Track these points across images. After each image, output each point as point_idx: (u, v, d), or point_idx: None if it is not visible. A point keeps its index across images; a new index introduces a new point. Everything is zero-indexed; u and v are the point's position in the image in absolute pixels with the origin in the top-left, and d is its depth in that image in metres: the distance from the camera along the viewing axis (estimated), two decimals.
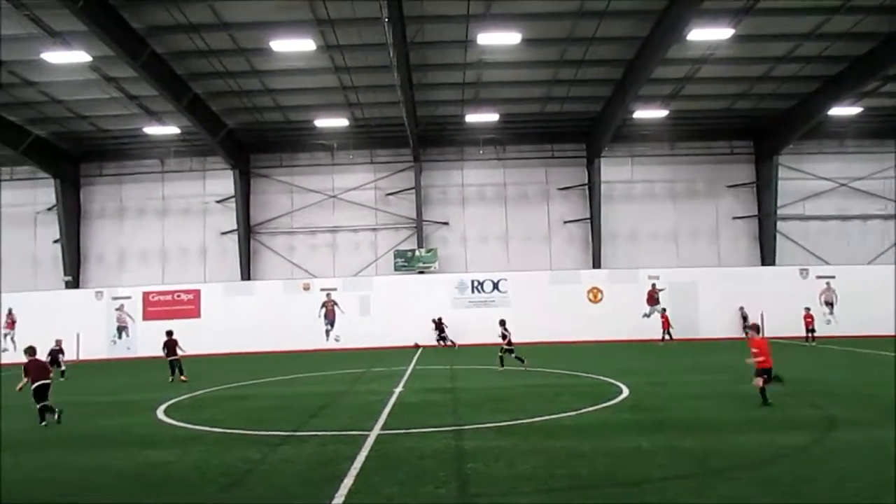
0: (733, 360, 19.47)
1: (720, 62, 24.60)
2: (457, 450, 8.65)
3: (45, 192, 32.59)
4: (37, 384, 11.83)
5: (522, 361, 18.27)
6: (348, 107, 28.37)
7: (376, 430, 10.01)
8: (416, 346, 28.96)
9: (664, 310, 29.27)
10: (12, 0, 18.51)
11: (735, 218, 32.78)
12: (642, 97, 26.80)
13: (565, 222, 32.91)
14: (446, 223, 32.88)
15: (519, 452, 8.34)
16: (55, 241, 32.48)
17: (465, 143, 32.77)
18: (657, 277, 30.53)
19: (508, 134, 32.25)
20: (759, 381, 11.28)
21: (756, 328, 12.72)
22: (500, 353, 18.73)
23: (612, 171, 32.39)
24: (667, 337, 27.93)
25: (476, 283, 30.70)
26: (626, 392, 13.49)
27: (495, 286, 30.63)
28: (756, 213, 32.65)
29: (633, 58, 24.20)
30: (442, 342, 29.01)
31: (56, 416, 11.61)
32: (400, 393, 14.32)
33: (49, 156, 30.98)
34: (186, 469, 8.09)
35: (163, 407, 13.45)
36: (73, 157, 32.62)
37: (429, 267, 31.65)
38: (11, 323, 30.67)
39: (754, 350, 11.55)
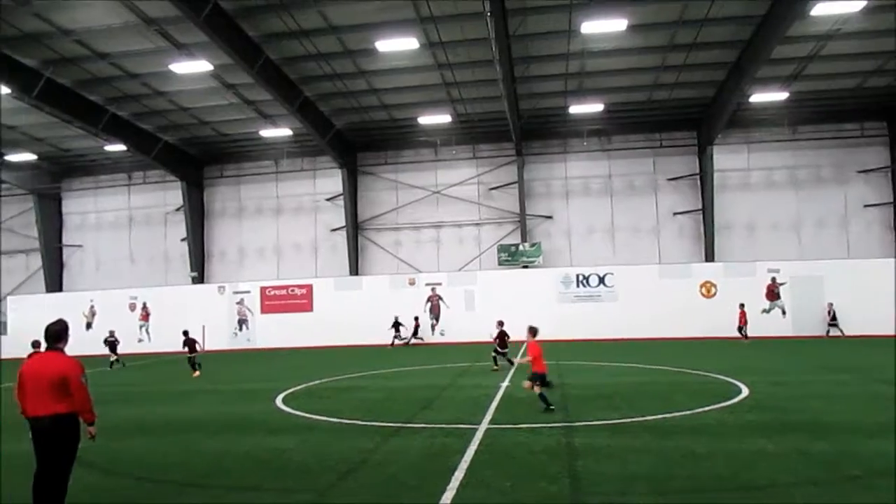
0: (863, 360, 18.02)
1: (849, 37, 22.69)
2: (567, 447, 8.52)
3: (173, 194, 35.21)
4: None
5: (512, 364, 17.95)
6: (451, 103, 28.61)
7: (485, 425, 10.05)
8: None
9: (742, 305, 27.68)
10: (144, 17, 20.09)
11: (867, 206, 30.21)
12: (760, 79, 25.22)
13: (675, 214, 31.61)
14: (550, 217, 32.48)
15: (631, 451, 8.11)
16: (182, 240, 35.04)
17: (568, 135, 32.20)
18: (777, 270, 28.65)
19: (614, 124, 31.36)
20: (527, 385, 11.31)
21: (533, 331, 12.17)
22: (493, 353, 18.53)
23: (726, 158, 30.74)
24: (741, 334, 26.68)
25: (581, 278, 30.11)
26: (745, 391, 12.76)
27: (601, 280, 29.91)
28: (891, 199, 29.92)
29: (750, 38, 22.80)
30: (397, 340, 29.45)
31: None
32: (507, 388, 14.30)
33: (176, 160, 33.42)
34: (305, 456, 8.47)
35: (281, 396, 14.16)
36: (197, 160, 35.02)
37: (533, 261, 31.39)
38: (146, 315, 33.36)
39: (529, 356, 11.56)
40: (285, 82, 25.20)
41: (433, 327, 30.78)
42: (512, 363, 17.94)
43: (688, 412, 10.70)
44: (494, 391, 13.67)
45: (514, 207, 32.34)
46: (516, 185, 32.02)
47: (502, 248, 31.95)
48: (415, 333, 29.92)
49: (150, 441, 9.92)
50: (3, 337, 33.17)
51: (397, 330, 29.75)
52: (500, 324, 18.88)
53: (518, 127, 29.45)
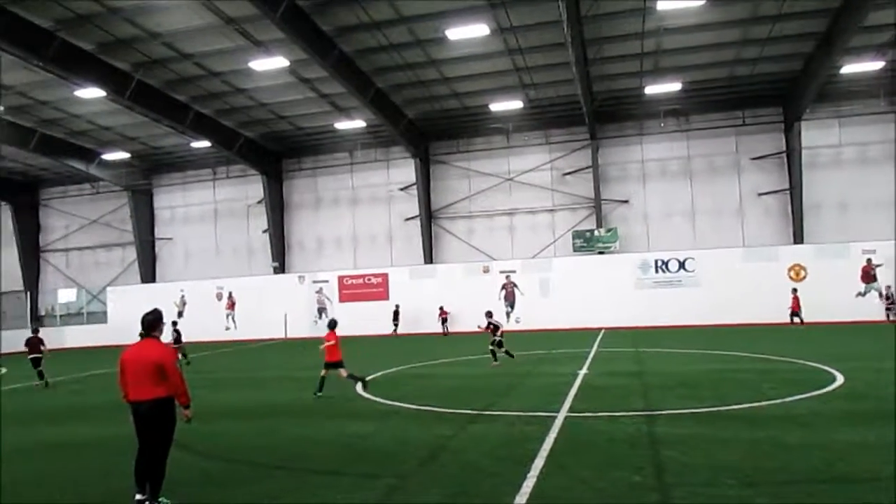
0: None
1: None
2: (649, 435, 8.34)
3: (254, 188, 36.52)
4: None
5: (512, 356, 16.61)
6: (522, 88, 28.29)
7: (563, 412, 9.96)
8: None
9: (795, 290, 26.35)
10: (225, 17, 20.85)
11: None
12: (852, 49, 23.64)
13: (760, 194, 30.19)
14: (626, 201, 31.69)
15: (718, 441, 7.86)
16: (264, 231, 36.33)
17: (644, 116, 31.25)
18: (873, 251, 26.96)
19: (692, 103, 30.18)
20: (324, 372, 12.85)
21: (332, 324, 13.57)
22: (490, 347, 16.66)
23: (815, 135, 29.06)
24: (796, 320, 25.78)
25: (660, 263, 29.29)
26: (840, 379, 12.11)
27: (681, 265, 29.00)
28: None
29: (841, 5, 21.39)
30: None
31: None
32: (585, 375, 14.11)
33: (257, 154, 34.63)
34: (386, 442, 8.65)
35: (360, 383, 14.47)
36: (276, 154, 36.16)
37: (609, 247, 30.78)
38: (232, 304, 34.87)
39: (327, 344, 13.03)
40: (358, 74, 25.59)
41: (508, 315, 30.70)
42: (512, 356, 16.67)
43: (777, 401, 10.26)
44: (572, 379, 13.51)
45: (589, 193, 31.74)
46: (590, 169, 31.39)
47: (577, 235, 31.47)
48: (444, 322, 30.35)
49: (239, 425, 10.39)
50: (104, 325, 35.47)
51: (396, 318, 30.54)
52: (489, 314, 17.16)
53: (591, 110, 28.83)
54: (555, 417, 9.56)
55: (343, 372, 12.94)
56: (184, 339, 20.96)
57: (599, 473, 6.70)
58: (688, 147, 31.16)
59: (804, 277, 27.52)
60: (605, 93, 28.72)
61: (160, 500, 6.22)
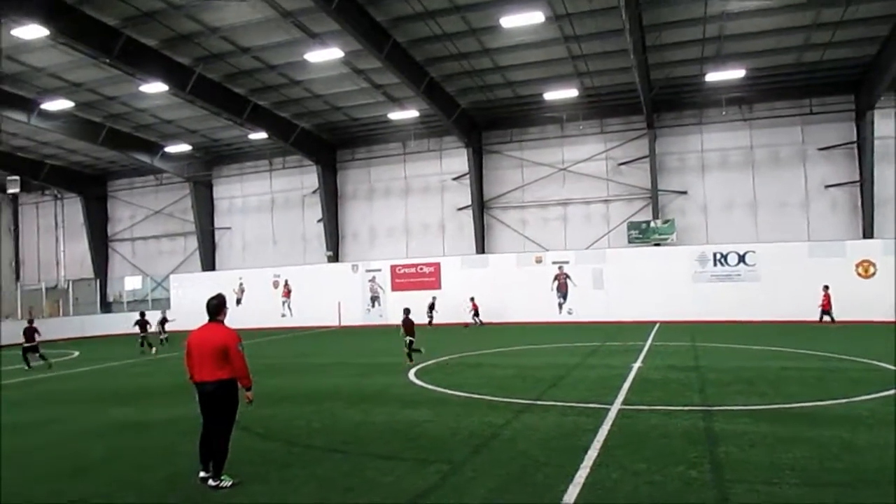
0: None
1: None
2: (706, 431, 8.15)
3: (309, 178, 37.18)
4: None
5: (420, 352, 16.37)
6: (577, 77, 27.85)
7: (617, 405, 9.83)
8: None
9: (826, 287, 25.27)
10: (281, 10, 21.23)
11: None
12: None
13: (827, 186, 28.95)
14: (684, 192, 30.88)
15: (779, 439, 7.61)
16: (318, 221, 36.97)
17: (704, 104, 30.32)
18: None
19: (756, 91, 29.11)
20: None
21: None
22: (405, 349, 16.36)
23: (890, 124, 27.63)
24: (826, 318, 24.75)
25: (719, 256, 28.44)
26: None
27: (741, 259, 28.10)
28: None
29: None
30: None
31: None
32: (639, 368, 13.89)
33: (312, 145, 35.20)
34: (439, 428, 8.73)
35: (413, 371, 14.66)
36: (330, 145, 36.69)
37: (665, 239, 30.09)
38: (288, 292, 35.67)
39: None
40: (412, 65, 25.68)
41: (560, 306, 30.43)
42: (420, 352, 16.44)
43: (843, 400, 9.87)
44: (626, 372, 13.31)
45: (645, 183, 31.07)
46: (647, 159, 30.69)
47: (632, 226, 30.88)
48: (431, 308, 30.18)
49: (296, 409, 10.64)
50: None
51: (432, 311, 30.30)
52: (406, 311, 16.74)
53: (649, 98, 28.16)
54: (608, 410, 9.45)
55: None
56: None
57: (655, 467, 6.59)
58: (750, 136, 30.11)
59: (873, 274, 26.28)
60: (664, 80, 27.98)
61: (222, 477, 6.47)
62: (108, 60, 23.11)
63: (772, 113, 29.65)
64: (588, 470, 6.53)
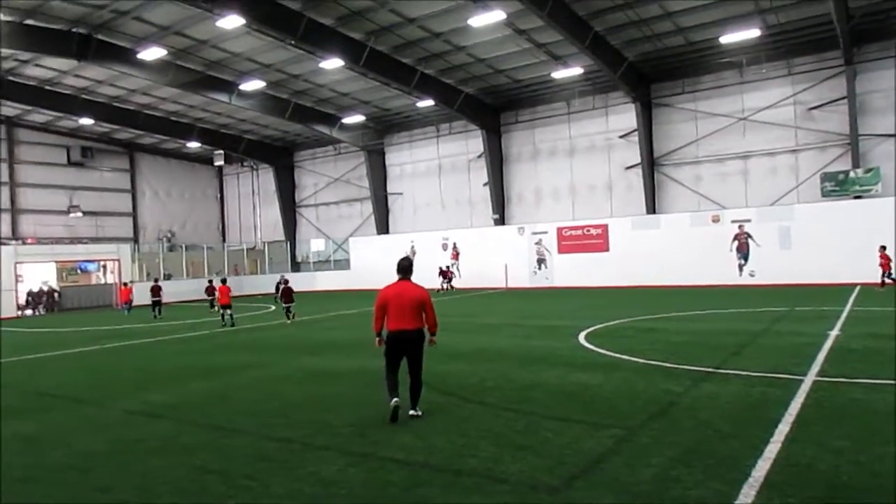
0: None
1: None
2: None
3: (474, 143, 37.72)
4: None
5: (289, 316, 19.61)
6: (759, 14, 25.27)
7: (811, 376, 9.05)
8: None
9: (883, 248, 21.86)
10: None
11: None
12: None
13: None
14: (893, 135, 27.10)
15: None
16: (484, 184, 37.50)
17: None
18: None
19: None
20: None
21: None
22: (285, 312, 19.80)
23: None
24: (888, 280, 21.92)
25: None
26: None
27: None
28: None
29: None
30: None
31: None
32: (837, 337, 12.62)
33: (475, 109, 35.59)
34: (612, 393, 8.62)
35: (583, 334, 14.54)
36: (494, 108, 36.83)
37: (868, 190, 26.75)
38: (456, 255, 36.78)
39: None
40: (575, 20, 24.85)
41: (741, 268, 28.39)
42: (290, 317, 19.57)
43: None
44: (821, 340, 12.17)
45: (843, 128, 27.69)
46: (845, 100, 27.26)
47: (827, 177, 27.79)
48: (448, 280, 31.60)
49: (467, 366, 11.06)
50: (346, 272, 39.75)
51: (445, 277, 31.71)
52: (286, 281, 21.15)
53: (847, 30, 24.78)
54: (801, 381, 8.74)
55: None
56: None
57: (858, 446, 6.02)
58: None
59: None
60: (866, 6, 24.41)
61: (417, 408, 7.65)
62: (293, 42, 25.15)
63: None
64: (779, 445, 6.12)
